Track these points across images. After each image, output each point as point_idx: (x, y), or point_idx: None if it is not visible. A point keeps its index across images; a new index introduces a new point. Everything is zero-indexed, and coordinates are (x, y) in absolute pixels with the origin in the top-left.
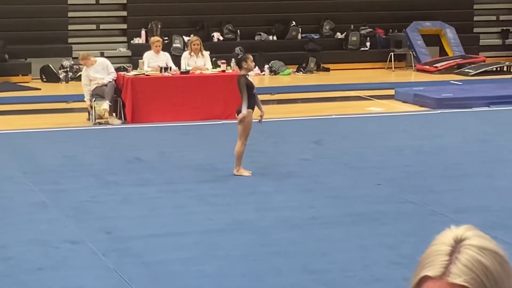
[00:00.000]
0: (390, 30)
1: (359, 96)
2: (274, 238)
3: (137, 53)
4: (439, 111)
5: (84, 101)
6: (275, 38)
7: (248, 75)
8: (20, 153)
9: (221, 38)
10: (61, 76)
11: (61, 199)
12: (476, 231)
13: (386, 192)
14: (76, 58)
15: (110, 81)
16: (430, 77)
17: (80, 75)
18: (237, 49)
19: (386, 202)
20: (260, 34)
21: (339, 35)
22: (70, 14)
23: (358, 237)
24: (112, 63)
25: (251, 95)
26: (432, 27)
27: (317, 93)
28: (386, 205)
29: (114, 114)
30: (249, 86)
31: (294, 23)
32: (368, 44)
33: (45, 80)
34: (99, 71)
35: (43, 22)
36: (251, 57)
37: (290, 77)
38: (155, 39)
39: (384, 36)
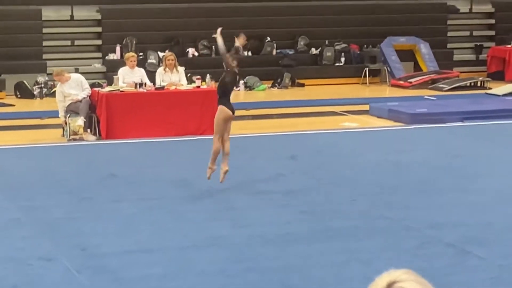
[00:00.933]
0: (365, 46)
1: (334, 112)
2: (249, 254)
3: (112, 69)
4: (414, 126)
5: (59, 117)
6: (250, 53)
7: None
8: None
9: (196, 53)
10: (35, 92)
11: (36, 216)
12: (411, 276)
13: (361, 207)
14: (51, 74)
15: (84, 97)
16: (405, 92)
17: (55, 91)
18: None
19: (361, 218)
20: None
21: (313, 51)
22: (44, 30)
23: (334, 252)
24: (87, 79)
25: (226, 92)
26: (407, 43)
27: (292, 108)
28: (361, 220)
29: (88, 130)
30: (230, 82)
31: (269, 38)
32: (342, 59)
33: (19, 96)
34: (74, 87)
35: (18, 38)
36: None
37: (265, 92)
38: (130, 54)
39: (358, 52)
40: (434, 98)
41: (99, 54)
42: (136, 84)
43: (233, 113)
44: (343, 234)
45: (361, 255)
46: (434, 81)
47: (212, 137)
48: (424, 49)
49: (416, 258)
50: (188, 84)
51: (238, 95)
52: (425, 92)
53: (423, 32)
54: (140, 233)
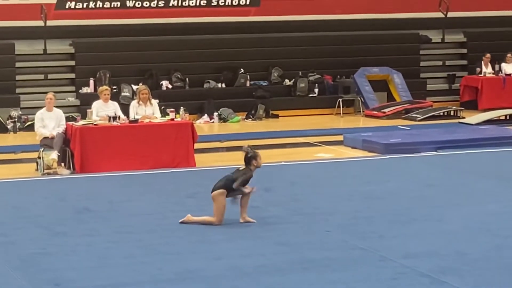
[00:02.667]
0: (338, 76)
1: (308, 143)
2: (224, 287)
3: (85, 102)
4: (388, 156)
5: (35, 151)
6: (223, 85)
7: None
8: None
9: (170, 86)
10: (9, 127)
11: (9, 251)
12: None
13: (336, 238)
14: (24, 108)
15: (59, 132)
16: (378, 122)
17: (28, 125)
18: (246, 147)
19: (336, 249)
20: (208, 82)
21: (287, 82)
22: (17, 64)
23: (309, 284)
24: None
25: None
26: (380, 73)
27: (267, 140)
28: (336, 251)
29: (62, 164)
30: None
31: (242, 70)
32: (316, 90)
33: None
34: (54, 120)
35: None
36: (260, 154)
37: (239, 124)
38: (103, 88)
39: (332, 83)
40: (408, 128)
41: (73, 88)
42: (110, 117)
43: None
44: (318, 265)
45: (336, 286)
46: (407, 111)
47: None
48: (397, 79)
49: None
50: (162, 116)
51: (212, 126)
52: (399, 122)
53: (396, 62)
54: (114, 267)
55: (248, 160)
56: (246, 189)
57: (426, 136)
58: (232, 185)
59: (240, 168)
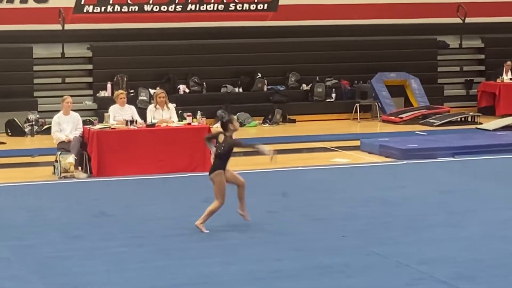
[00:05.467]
0: (355, 81)
1: (325, 148)
2: None
3: (103, 106)
4: (405, 162)
5: (52, 154)
6: (241, 90)
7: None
8: None
9: (187, 90)
10: (26, 130)
11: (25, 255)
12: None
13: (352, 244)
14: (42, 111)
15: (76, 136)
16: (396, 127)
17: (46, 128)
18: (220, 112)
19: (352, 254)
20: (226, 86)
21: (304, 87)
22: (35, 68)
23: None
24: None
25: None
26: (397, 78)
27: (283, 144)
28: (352, 257)
29: (79, 167)
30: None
31: (259, 75)
32: (333, 95)
33: (10, 134)
34: (70, 123)
35: (9, 76)
36: (235, 117)
37: (256, 128)
38: (119, 92)
39: (349, 87)
40: (425, 134)
41: (90, 92)
42: (126, 121)
43: (210, 172)
44: (334, 271)
45: None
46: (424, 117)
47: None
48: (414, 85)
49: None
50: (179, 121)
51: None
52: (416, 128)
53: (414, 68)
54: (130, 272)
55: (225, 125)
56: (265, 150)
57: (443, 141)
58: (226, 163)
59: (221, 140)
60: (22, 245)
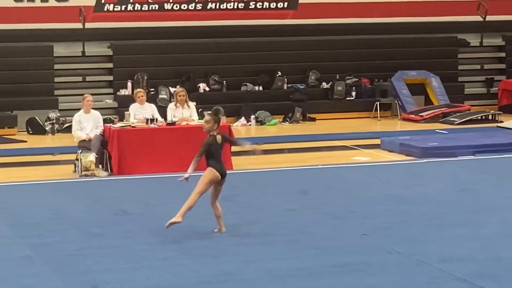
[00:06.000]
0: (376, 80)
1: (345, 146)
2: None
3: (123, 104)
4: (425, 160)
5: (73, 153)
6: (261, 88)
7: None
8: (6, 206)
9: (207, 88)
10: (47, 128)
11: (46, 253)
12: None
13: (372, 242)
14: (63, 110)
15: (96, 134)
16: (416, 126)
17: (66, 127)
18: (216, 109)
19: (372, 253)
20: (246, 85)
21: (324, 85)
22: (56, 66)
23: None
24: None
25: (210, 154)
26: (417, 76)
27: (303, 143)
28: (372, 255)
29: (100, 166)
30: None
31: (279, 73)
32: (353, 93)
33: (31, 132)
34: (90, 122)
35: (29, 74)
36: (207, 118)
37: (276, 127)
38: (137, 91)
39: (369, 86)
40: (445, 132)
41: (111, 90)
42: (147, 120)
43: (223, 176)
44: (354, 270)
45: None
46: (445, 115)
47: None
48: (435, 83)
49: None
50: (199, 119)
51: (249, 129)
52: (436, 126)
53: (434, 66)
54: (150, 270)
55: (219, 120)
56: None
57: (463, 140)
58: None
59: (219, 141)
60: (43, 243)
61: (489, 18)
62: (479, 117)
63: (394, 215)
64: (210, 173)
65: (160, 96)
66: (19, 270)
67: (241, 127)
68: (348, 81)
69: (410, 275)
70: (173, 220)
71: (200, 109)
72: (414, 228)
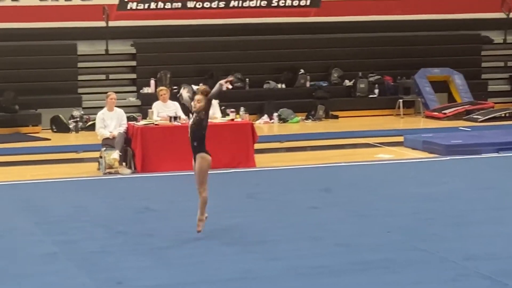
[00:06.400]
0: (398, 77)
1: (368, 143)
2: None
3: (146, 102)
4: (448, 158)
5: (96, 150)
6: (283, 86)
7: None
8: (31, 203)
9: (230, 86)
10: (71, 126)
11: (71, 250)
12: None
13: (395, 239)
14: (86, 108)
15: (120, 132)
16: (439, 123)
17: (90, 125)
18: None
19: (396, 250)
20: (268, 82)
21: (347, 83)
22: (79, 64)
23: (368, 285)
24: None
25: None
26: (440, 74)
27: (326, 140)
28: (396, 252)
29: (124, 163)
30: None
31: (302, 71)
32: (376, 91)
33: (55, 130)
34: (114, 119)
35: (53, 72)
36: (197, 97)
37: (299, 124)
38: (160, 89)
39: (392, 83)
40: (469, 129)
41: (134, 88)
42: (170, 117)
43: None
44: (377, 267)
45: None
46: (468, 112)
47: (198, 187)
48: (458, 80)
49: None
50: (222, 117)
51: (272, 127)
52: (460, 123)
53: (457, 63)
54: (173, 267)
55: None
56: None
57: (487, 137)
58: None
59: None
60: (68, 240)
61: None
62: (503, 115)
63: (418, 213)
64: (206, 160)
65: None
66: (44, 267)
67: (263, 125)
68: (370, 79)
69: (434, 272)
70: (200, 223)
71: (223, 107)
72: (438, 225)
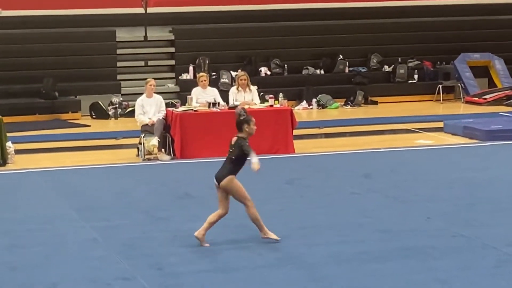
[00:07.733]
0: (438, 63)
1: (408, 129)
2: (324, 274)
3: (185, 88)
4: (489, 143)
5: (135, 137)
6: (322, 72)
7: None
8: (71, 190)
9: (268, 72)
10: (110, 113)
11: (112, 236)
12: None
13: (437, 225)
14: (125, 94)
15: (159, 118)
16: (479, 109)
17: (129, 111)
18: (239, 109)
19: (437, 236)
20: (307, 68)
21: (386, 68)
22: (118, 51)
23: (409, 272)
24: None
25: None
26: (481, 59)
27: (365, 126)
28: (437, 239)
29: (163, 150)
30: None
31: (341, 56)
32: (416, 76)
33: (94, 117)
34: (153, 106)
35: (92, 59)
36: (254, 120)
37: (338, 110)
38: (200, 75)
39: (432, 69)
40: (510, 115)
41: (173, 74)
42: (209, 103)
43: (219, 182)
44: (419, 253)
45: (438, 274)
46: (509, 97)
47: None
48: (498, 65)
49: (494, 277)
50: (261, 103)
51: (311, 113)
52: (500, 109)
53: (498, 48)
54: (215, 253)
55: (240, 124)
56: (254, 160)
57: None
58: (237, 169)
59: (233, 143)
60: (108, 226)
61: None
62: None
63: (459, 199)
64: (229, 180)
65: (222, 80)
66: (85, 253)
67: (302, 111)
68: (410, 64)
69: (476, 259)
70: (271, 236)
71: (262, 93)
72: (479, 211)
